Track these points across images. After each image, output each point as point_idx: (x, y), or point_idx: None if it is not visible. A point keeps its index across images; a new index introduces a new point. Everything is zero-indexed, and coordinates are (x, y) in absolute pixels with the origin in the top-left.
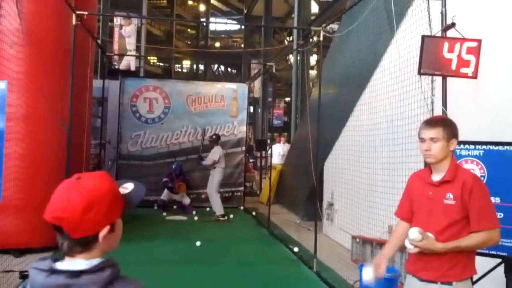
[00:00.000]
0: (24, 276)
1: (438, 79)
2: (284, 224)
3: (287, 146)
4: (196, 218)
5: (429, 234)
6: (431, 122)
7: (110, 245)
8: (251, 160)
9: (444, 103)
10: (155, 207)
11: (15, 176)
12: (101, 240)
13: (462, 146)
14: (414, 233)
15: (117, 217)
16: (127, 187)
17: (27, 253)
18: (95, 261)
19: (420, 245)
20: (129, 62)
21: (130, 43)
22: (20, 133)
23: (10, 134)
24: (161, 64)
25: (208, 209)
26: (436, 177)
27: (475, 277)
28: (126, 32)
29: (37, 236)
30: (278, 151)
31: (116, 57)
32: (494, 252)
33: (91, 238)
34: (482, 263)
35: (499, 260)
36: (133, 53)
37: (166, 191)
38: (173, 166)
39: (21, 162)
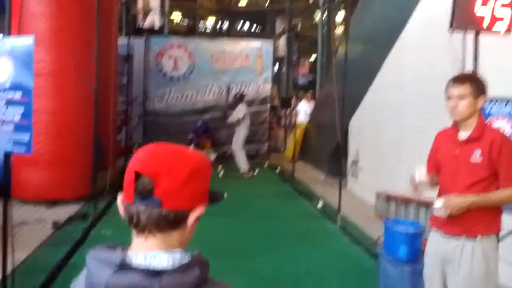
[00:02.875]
0: (56, 225)
1: (470, 35)
2: (308, 180)
3: (312, 104)
4: (221, 174)
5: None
6: (459, 79)
7: (188, 237)
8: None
9: (475, 60)
10: None
11: (45, 131)
12: (191, 223)
13: (492, 103)
14: (439, 203)
15: (207, 201)
16: None
17: (58, 204)
18: (178, 255)
19: (448, 203)
20: (153, 20)
21: (154, 1)
22: (48, 88)
23: (38, 89)
24: (185, 22)
25: (233, 165)
26: (463, 134)
27: (501, 234)
28: None
29: (67, 188)
30: (305, 109)
31: (140, 16)
32: None
33: (184, 215)
34: (508, 221)
35: None
36: (158, 11)
37: (192, 147)
38: (199, 124)
39: (50, 117)
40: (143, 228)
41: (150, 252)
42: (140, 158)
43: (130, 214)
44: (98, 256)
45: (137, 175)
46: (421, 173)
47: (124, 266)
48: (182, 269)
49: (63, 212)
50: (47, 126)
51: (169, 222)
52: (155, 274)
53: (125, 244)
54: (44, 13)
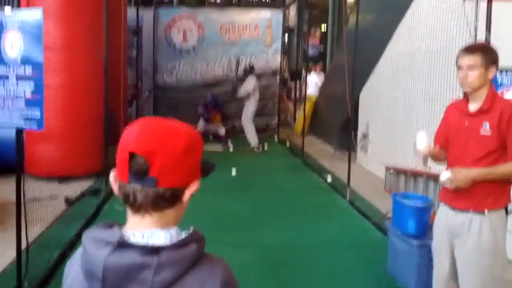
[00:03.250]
0: (68, 201)
1: (483, 3)
2: (317, 154)
3: (322, 76)
4: (231, 148)
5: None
6: (469, 49)
7: (182, 213)
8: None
9: (488, 29)
10: None
11: (55, 106)
12: (186, 199)
13: (505, 73)
14: (445, 175)
15: (200, 175)
16: None
17: (70, 180)
18: (174, 232)
19: (455, 176)
20: None
21: None
22: (58, 63)
23: (48, 64)
24: None
25: (243, 139)
26: (473, 106)
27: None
28: None
29: (79, 163)
30: (315, 82)
31: None
32: None
33: (179, 192)
34: None
35: None
36: None
37: (201, 121)
38: (208, 97)
39: (60, 92)
40: (139, 207)
41: (147, 230)
42: (133, 137)
43: (126, 193)
44: (95, 235)
45: (131, 155)
46: (422, 140)
47: (122, 245)
48: (180, 245)
49: (76, 188)
50: (57, 101)
51: (166, 200)
52: (153, 251)
53: (121, 224)
54: None
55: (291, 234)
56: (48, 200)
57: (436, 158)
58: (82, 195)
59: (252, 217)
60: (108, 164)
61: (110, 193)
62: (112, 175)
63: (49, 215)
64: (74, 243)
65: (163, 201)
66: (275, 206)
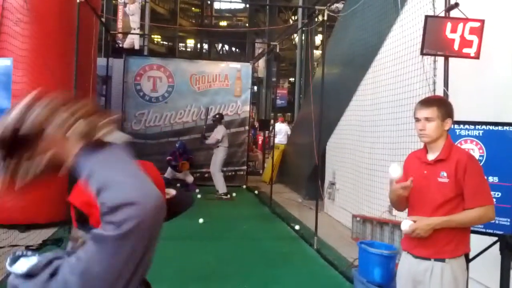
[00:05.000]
0: (30, 250)
1: (440, 60)
2: (286, 203)
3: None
4: (199, 196)
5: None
6: (426, 102)
7: None
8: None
9: (446, 84)
10: None
11: None
12: None
13: (462, 126)
14: (406, 224)
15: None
16: (169, 193)
17: (32, 228)
18: None
19: (415, 226)
20: (133, 40)
21: (134, 22)
22: None
23: None
24: (165, 42)
25: (211, 187)
26: (431, 156)
27: (471, 255)
28: (130, 10)
29: (41, 212)
30: (285, 130)
31: (120, 36)
32: (490, 231)
33: None
34: (478, 242)
35: (495, 238)
36: (137, 31)
37: (169, 169)
38: (177, 145)
39: None
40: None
41: None
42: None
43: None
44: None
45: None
46: (395, 170)
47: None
48: None
49: (37, 236)
50: None
51: None
52: None
53: None
54: (22, 34)
55: (258, 283)
56: (8, 248)
57: (399, 201)
58: (44, 243)
59: (219, 266)
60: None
61: None
62: None
63: None
64: None
65: None
66: (242, 254)
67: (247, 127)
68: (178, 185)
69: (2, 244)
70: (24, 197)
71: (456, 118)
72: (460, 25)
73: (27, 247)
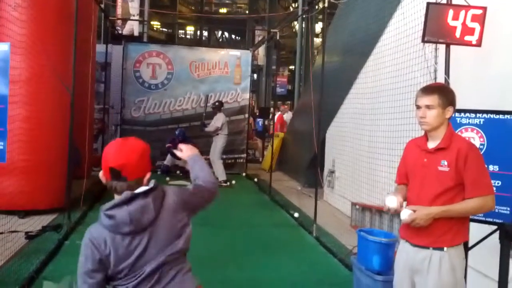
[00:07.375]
0: (29, 236)
1: (442, 47)
2: (285, 190)
3: (289, 115)
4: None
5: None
6: (427, 89)
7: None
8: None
9: (447, 71)
10: (158, 172)
11: (19, 138)
12: (145, 183)
13: (462, 114)
14: (405, 213)
15: (150, 168)
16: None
17: (31, 214)
18: (150, 184)
19: (414, 215)
20: (133, 27)
21: (134, 8)
22: (24, 96)
23: (14, 96)
24: (164, 29)
25: None
26: (432, 144)
27: (470, 244)
28: None
29: (41, 198)
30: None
31: (119, 22)
32: (490, 219)
33: (141, 179)
34: (477, 230)
35: (495, 227)
36: (137, 17)
37: (169, 156)
38: (176, 132)
39: (25, 124)
40: (119, 192)
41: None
42: (110, 155)
43: (109, 186)
44: (117, 202)
45: (110, 168)
46: (392, 201)
47: (133, 198)
48: (155, 187)
49: (37, 222)
50: (22, 134)
51: (136, 185)
52: (147, 193)
53: None
54: (20, 19)
55: (257, 270)
56: (8, 234)
57: (402, 201)
58: (43, 229)
59: (219, 253)
60: (71, 199)
61: (72, 228)
62: (101, 174)
63: (8, 250)
64: (34, 279)
65: (132, 187)
66: (242, 242)
67: (246, 115)
68: (178, 172)
69: (1, 229)
70: (24, 183)
71: (457, 106)
72: (462, 12)
73: (27, 233)
